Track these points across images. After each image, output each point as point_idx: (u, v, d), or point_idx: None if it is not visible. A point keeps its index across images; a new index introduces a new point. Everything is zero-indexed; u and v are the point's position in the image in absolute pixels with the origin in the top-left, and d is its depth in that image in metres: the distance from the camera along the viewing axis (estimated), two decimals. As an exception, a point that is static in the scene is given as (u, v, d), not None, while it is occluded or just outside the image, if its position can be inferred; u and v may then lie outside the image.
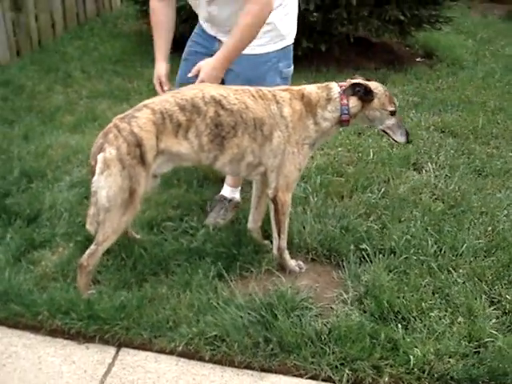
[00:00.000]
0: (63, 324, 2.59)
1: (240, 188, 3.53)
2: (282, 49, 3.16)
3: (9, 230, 3.17)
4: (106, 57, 6.48)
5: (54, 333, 2.60)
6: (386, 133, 2.94)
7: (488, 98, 5.52)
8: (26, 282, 2.80)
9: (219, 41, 3.11)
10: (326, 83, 2.91)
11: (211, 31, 3.19)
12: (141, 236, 3.14)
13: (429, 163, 4.12)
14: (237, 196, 3.51)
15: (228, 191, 3.50)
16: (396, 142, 2.99)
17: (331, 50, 6.20)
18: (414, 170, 4.09)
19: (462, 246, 3.11)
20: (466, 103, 5.35)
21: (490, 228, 3.33)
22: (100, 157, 2.56)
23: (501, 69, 6.52)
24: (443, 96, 5.54)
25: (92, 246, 2.69)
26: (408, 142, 3.02)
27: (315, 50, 6.06)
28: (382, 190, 3.70)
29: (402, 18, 6.10)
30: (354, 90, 2.80)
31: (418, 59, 6.91)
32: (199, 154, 2.72)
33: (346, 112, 2.81)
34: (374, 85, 2.86)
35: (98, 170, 2.56)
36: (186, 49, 3.39)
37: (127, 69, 6.10)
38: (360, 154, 4.21)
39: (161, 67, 3.14)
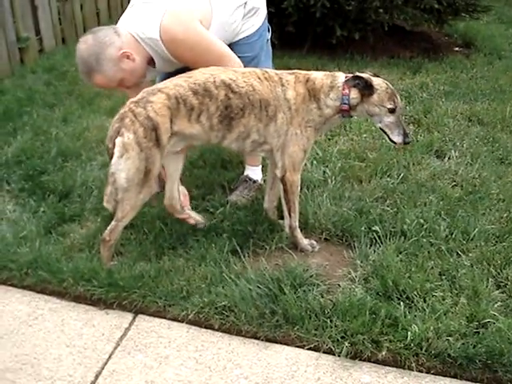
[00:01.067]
0: (86, 290, 2.79)
1: (261, 167, 3.67)
2: (264, 19, 3.42)
3: (42, 205, 3.42)
4: (146, 44, 6.66)
5: (77, 298, 2.81)
6: (384, 131, 2.96)
7: (522, 87, 5.47)
8: (55, 251, 3.02)
9: None
10: (334, 72, 3.02)
11: None
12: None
13: (452, 150, 4.15)
14: (260, 177, 3.65)
15: (251, 172, 3.65)
16: (393, 142, 2.96)
17: (366, 39, 6.24)
18: (437, 156, 4.14)
19: (474, 230, 3.16)
20: (498, 92, 5.32)
21: (505, 214, 3.36)
22: (118, 141, 2.71)
23: (539, 59, 6.42)
24: (476, 85, 5.52)
25: (112, 223, 2.88)
26: (405, 143, 2.94)
27: (349, 39, 6.12)
28: (401, 175, 3.76)
29: (437, 6, 6.08)
30: (355, 82, 2.87)
31: (455, 49, 6.88)
32: (209, 133, 2.87)
33: (346, 102, 2.88)
34: (377, 81, 2.89)
35: (116, 154, 2.72)
36: None
37: (165, 56, 6.29)
38: (384, 140, 4.26)
39: None
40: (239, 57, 3.19)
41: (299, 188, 3.05)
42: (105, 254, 2.93)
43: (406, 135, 2.91)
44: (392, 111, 2.87)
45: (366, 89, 2.84)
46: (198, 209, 3.39)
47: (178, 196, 3.16)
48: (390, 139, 2.95)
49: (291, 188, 2.98)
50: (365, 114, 2.95)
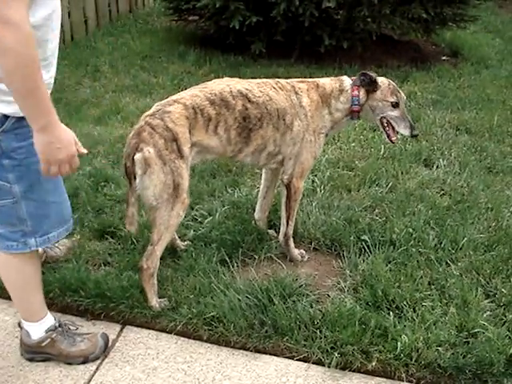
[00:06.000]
0: (73, 301, 2.77)
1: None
2: None
3: (28, 214, 3.37)
4: (134, 52, 6.68)
5: (64, 309, 2.78)
6: (389, 124, 2.98)
7: (509, 96, 5.53)
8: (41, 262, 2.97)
9: None
10: (339, 76, 3.06)
11: None
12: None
13: (440, 159, 4.17)
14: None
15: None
16: (401, 135, 3.04)
17: (354, 48, 6.26)
18: (425, 165, 4.16)
19: (463, 239, 3.17)
20: (486, 101, 5.36)
21: (493, 223, 3.37)
22: (138, 157, 2.54)
23: (525, 68, 6.49)
24: (463, 94, 5.56)
25: (148, 247, 2.71)
26: (413, 136, 3.03)
27: (338, 48, 6.14)
28: (390, 184, 3.77)
29: (425, 16, 6.12)
30: (360, 78, 2.93)
31: (443, 58, 6.93)
32: (226, 147, 2.80)
33: (357, 103, 2.94)
34: (380, 78, 2.97)
35: (139, 172, 2.55)
36: None
37: (154, 64, 6.30)
38: (372, 149, 4.29)
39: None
40: None
41: (301, 196, 3.06)
42: (147, 287, 2.71)
43: (412, 128, 2.98)
44: (395, 105, 2.94)
45: (371, 85, 2.91)
46: (187, 217, 3.37)
47: None
48: (397, 132, 3.01)
49: (295, 195, 2.99)
50: (370, 113, 2.99)
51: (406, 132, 2.98)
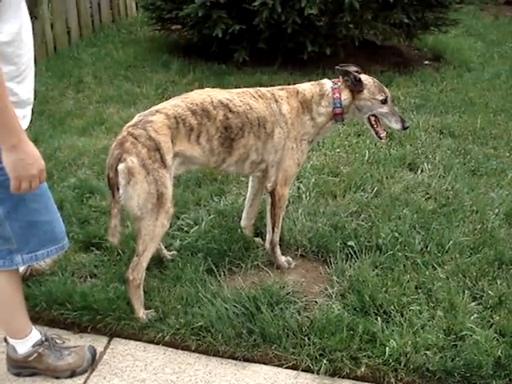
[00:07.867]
0: (59, 314, 2.74)
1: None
2: None
3: (13, 228, 3.34)
4: (118, 62, 6.66)
5: (51, 323, 2.75)
6: (377, 121, 3.00)
7: (491, 99, 5.58)
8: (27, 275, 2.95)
9: None
10: (320, 80, 3.05)
11: None
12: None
13: (424, 163, 4.20)
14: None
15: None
16: (394, 129, 3.08)
17: (337, 54, 6.29)
18: (410, 169, 4.18)
19: (449, 242, 3.18)
20: (468, 105, 5.41)
21: (478, 226, 3.39)
22: (121, 167, 2.53)
23: (507, 71, 6.55)
24: (446, 98, 5.60)
25: (134, 258, 2.69)
26: (405, 128, 3.06)
27: (321, 54, 6.17)
28: (375, 189, 3.78)
29: (407, 21, 6.17)
30: (344, 76, 2.92)
31: (425, 62, 6.98)
32: (209, 157, 2.80)
33: (339, 105, 2.94)
34: (363, 77, 2.96)
35: (122, 182, 2.54)
36: None
37: (137, 74, 6.28)
38: (357, 155, 4.30)
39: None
40: None
41: (286, 202, 3.06)
42: (133, 297, 2.70)
43: (403, 121, 3.02)
44: (384, 102, 2.95)
45: (355, 85, 2.90)
46: (173, 227, 3.36)
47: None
48: (389, 127, 3.05)
49: (279, 202, 2.99)
50: (356, 113, 2.99)
51: (398, 126, 3.01)
